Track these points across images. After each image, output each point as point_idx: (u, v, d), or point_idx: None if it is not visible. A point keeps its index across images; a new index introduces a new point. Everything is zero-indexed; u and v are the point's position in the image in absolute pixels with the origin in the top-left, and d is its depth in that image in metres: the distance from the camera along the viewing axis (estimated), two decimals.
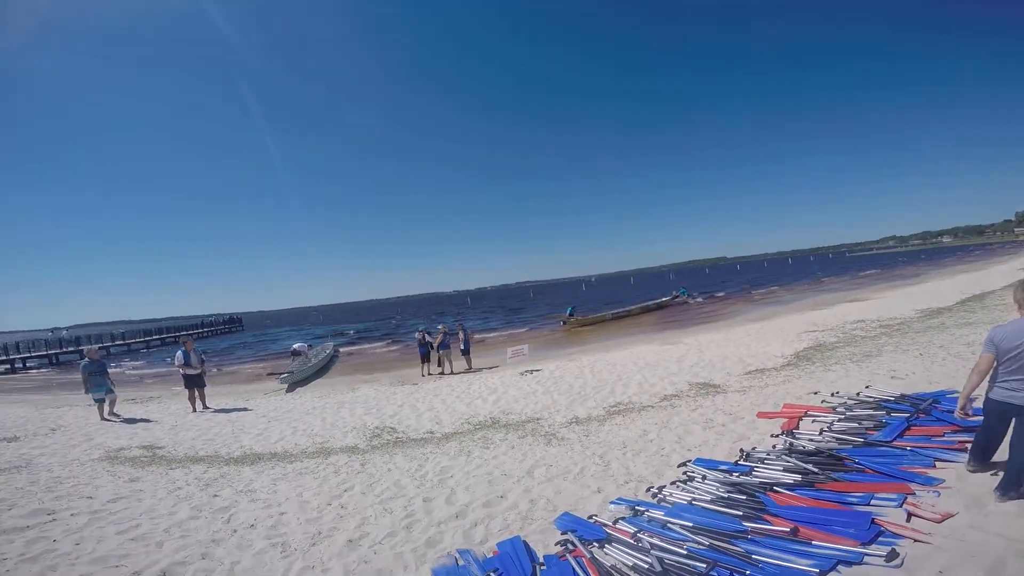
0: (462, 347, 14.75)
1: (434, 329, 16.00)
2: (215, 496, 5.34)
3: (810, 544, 3.10)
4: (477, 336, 25.41)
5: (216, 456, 7.13)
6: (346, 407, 10.20)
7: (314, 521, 4.53)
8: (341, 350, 26.08)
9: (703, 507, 3.88)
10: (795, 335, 12.85)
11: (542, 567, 3.24)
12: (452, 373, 14.05)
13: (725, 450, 5.32)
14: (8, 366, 29.63)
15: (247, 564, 3.78)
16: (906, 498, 3.53)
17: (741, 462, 4.79)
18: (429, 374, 14.18)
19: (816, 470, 4.19)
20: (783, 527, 3.28)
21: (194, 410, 10.79)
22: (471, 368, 14.52)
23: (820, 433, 5.26)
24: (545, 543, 3.75)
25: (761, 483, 4.12)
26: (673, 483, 4.57)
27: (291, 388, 14.01)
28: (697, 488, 4.31)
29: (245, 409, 10.88)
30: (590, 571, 3.15)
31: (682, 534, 3.47)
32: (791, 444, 5.03)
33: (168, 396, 13.41)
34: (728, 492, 4.08)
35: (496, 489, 4.98)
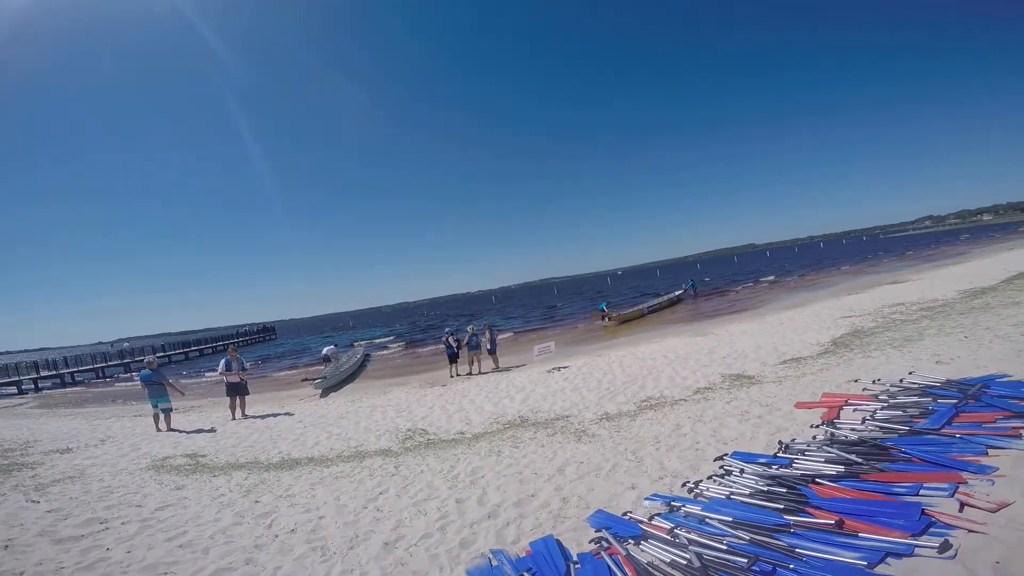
0: (489, 347, 14.82)
1: (461, 330, 16.12)
2: (256, 502, 5.45)
3: (856, 536, 2.99)
4: (503, 335, 25.40)
5: (256, 462, 7.29)
6: (378, 410, 10.33)
7: (351, 524, 4.59)
8: (371, 354, 26.50)
9: (742, 501, 3.79)
10: (831, 321, 12.46)
11: (576, 565, 3.20)
12: (480, 373, 14.12)
13: (763, 442, 5.19)
14: (59, 380, 31.02)
15: (289, 569, 3.85)
16: (958, 487, 3.37)
17: (780, 454, 4.66)
18: (457, 375, 14.28)
19: (860, 460, 4.03)
20: (827, 519, 3.17)
21: (233, 418, 11.09)
22: (498, 367, 14.56)
23: (863, 422, 5.07)
24: (579, 541, 3.71)
25: (802, 475, 3.99)
26: (709, 477, 4.48)
27: (325, 393, 14.31)
28: (735, 482, 4.21)
29: (282, 415, 11.13)
30: (626, 568, 3.10)
31: (721, 529, 3.38)
32: (832, 434, 4.87)
33: (208, 405, 13.79)
34: (768, 485, 3.97)
35: (527, 488, 4.97)
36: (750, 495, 3.86)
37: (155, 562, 4.09)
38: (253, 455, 7.76)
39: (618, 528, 3.68)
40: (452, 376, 14.20)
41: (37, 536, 4.71)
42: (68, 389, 27.43)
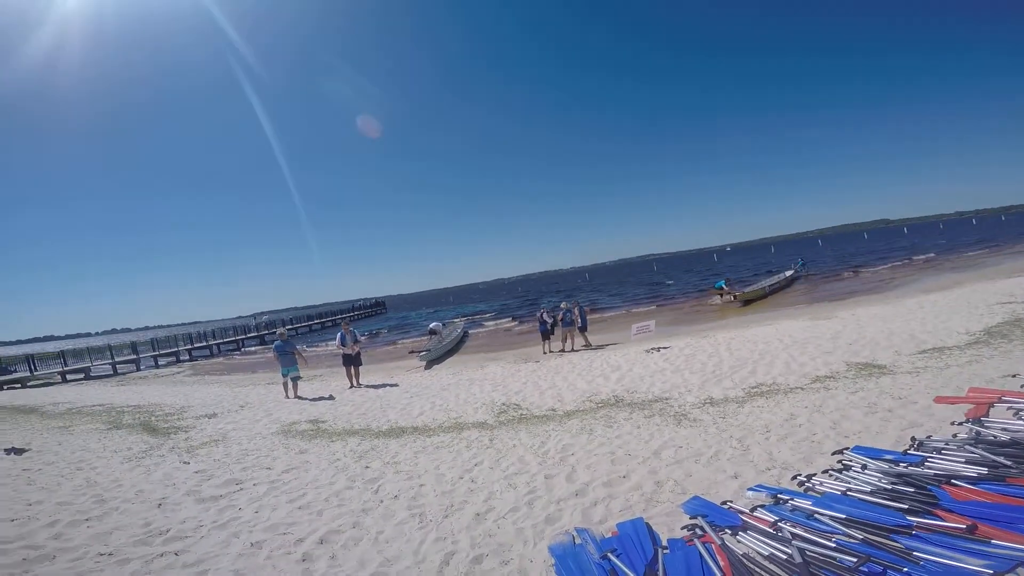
0: (579, 324, 14.79)
1: (554, 307, 16.28)
2: (367, 467, 5.94)
3: (988, 544, 2.61)
4: (601, 313, 25.11)
5: (368, 429, 7.94)
6: (476, 383, 10.78)
7: (448, 494, 4.87)
8: (469, 329, 27.61)
9: (860, 498, 3.45)
10: (985, 307, 10.78)
11: (665, 550, 3.13)
12: (573, 350, 14.19)
13: (892, 438, 4.69)
14: (207, 350, 36.04)
15: (390, 533, 4.17)
16: None
17: (911, 451, 4.16)
18: (551, 351, 14.45)
19: (1009, 463, 3.48)
20: (958, 523, 2.79)
21: (351, 386, 12.16)
22: (589, 345, 14.55)
23: (1016, 415, 4.38)
24: (670, 527, 3.63)
25: (936, 475, 3.53)
26: (825, 471, 4.14)
27: (429, 365, 15.26)
28: (854, 478, 3.84)
29: (391, 385, 12.01)
30: (719, 557, 2.98)
31: (831, 526, 3.12)
32: (978, 433, 4.25)
33: (328, 374, 15.23)
34: (892, 483, 3.57)
35: (619, 469, 4.93)
36: (870, 492, 3.50)
37: (277, 522, 4.58)
38: (366, 422, 8.45)
39: (715, 516, 3.54)
40: (545, 352, 14.41)
41: (185, 495, 5.48)
42: (215, 359, 31.74)
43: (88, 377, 25.43)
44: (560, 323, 14.74)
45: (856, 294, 19.23)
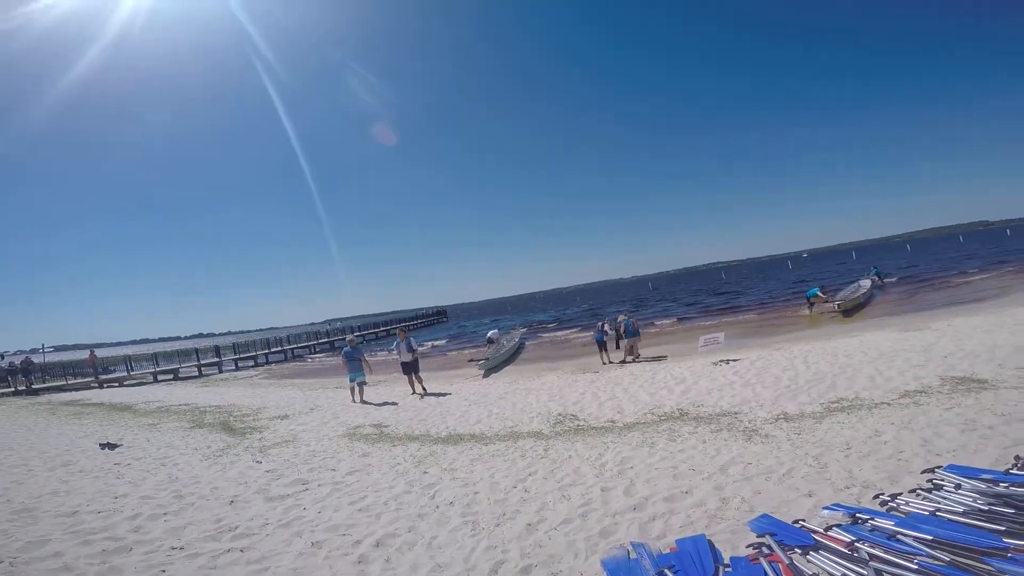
0: (629, 336, 14.48)
1: (612, 318, 16.09)
2: (425, 473, 6.08)
3: None
4: (658, 326, 24.46)
5: (427, 435, 8.15)
6: (533, 393, 10.77)
7: (501, 502, 4.90)
8: (528, 339, 27.66)
9: (950, 519, 3.15)
10: None
11: (727, 568, 2.99)
12: (635, 361, 13.93)
13: (992, 457, 4.29)
14: (282, 354, 38.22)
15: (443, 539, 4.25)
16: None
17: (1015, 471, 3.76)
18: (610, 362, 14.23)
19: None
20: None
21: (413, 392, 12.46)
22: (636, 357, 14.23)
23: None
24: (734, 544, 3.46)
25: None
26: (912, 491, 3.84)
27: (487, 374, 15.44)
28: (945, 498, 3.53)
29: (450, 392, 12.22)
30: None
31: (915, 547, 2.87)
32: None
33: (392, 380, 15.63)
34: (990, 504, 3.25)
35: (681, 484, 4.78)
36: (963, 513, 3.19)
37: (338, 523, 4.77)
38: (426, 428, 8.68)
39: (785, 535, 3.34)
40: (604, 363, 14.21)
41: (255, 493, 5.81)
42: (288, 364, 33.67)
43: (176, 378, 27.59)
44: (623, 334, 14.52)
45: (952, 304, 17.55)
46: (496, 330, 23.50)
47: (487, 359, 16.94)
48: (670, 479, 4.93)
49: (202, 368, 30.78)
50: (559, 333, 31.22)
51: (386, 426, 9.18)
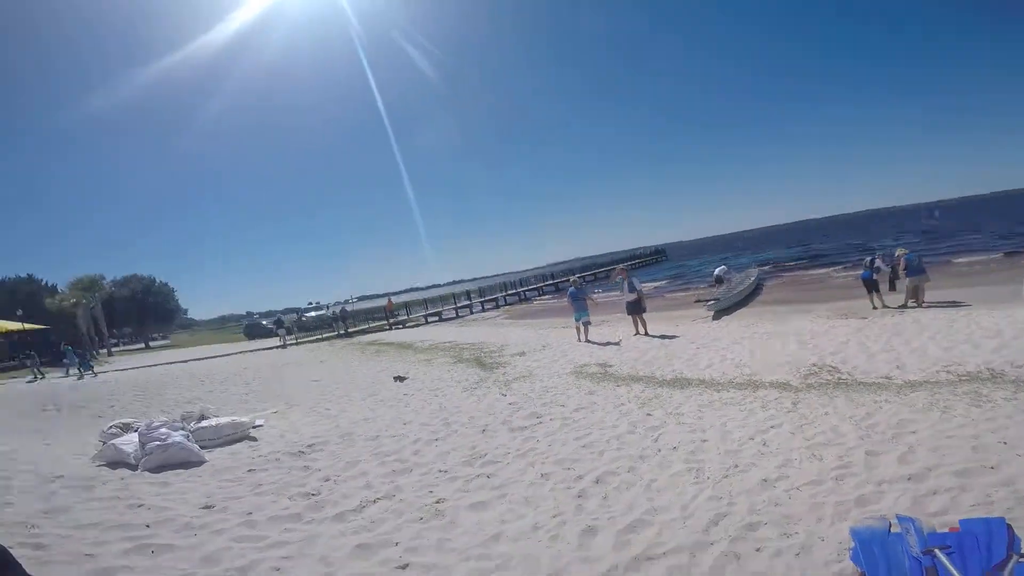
0: (913, 274, 11.48)
1: (886, 253, 13.04)
2: (648, 415, 6.03)
3: None
4: (957, 261, 19.32)
5: (652, 377, 8.05)
6: (776, 338, 9.63)
7: (732, 453, 4.58)
8: (766, 279, 24.84)
9: None
10: None
11: (1022, 559, 2.26)
12: (922, 306, 11.16)
13: None
14: (516, 296, 42.69)
15: (662, 483, 4.18)
16: None
17: None
18: (884, 306, 11.68)
19: None
20: None
21: (635, 333, 12.39)
22: (923, 302, 11.25)
23: None
24: None
25: None
26: None
27: (717, 316, 14.34)
28: None
29: (675, 334, 11.76)
30: None
31: None
32: None
33: (614, 320, 15.79)
34: None
35: (983, 457, 3.77)
36: None
37: (564, 457, 5.07)
38: (650, 370, 8.57)
39: None
40: (875, 308, 11.75)
41: (501, 424, 6.53)
42: (521, 305, 37.53)
43: (441, 319, 32.88)
44: (903, 272, 11.58)
45: None
46: (724, 267, 21.54)
47: (717, 299, 15.69)
48: (967, 451, 3.93)
49: (458, 310, 36.05)
50: (806, 271, 27.34)
51: (610, 366, 9.35)
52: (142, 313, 56.91)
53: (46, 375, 20.85)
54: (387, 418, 7.67)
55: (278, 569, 3.44)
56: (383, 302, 37.19)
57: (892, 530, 2.73)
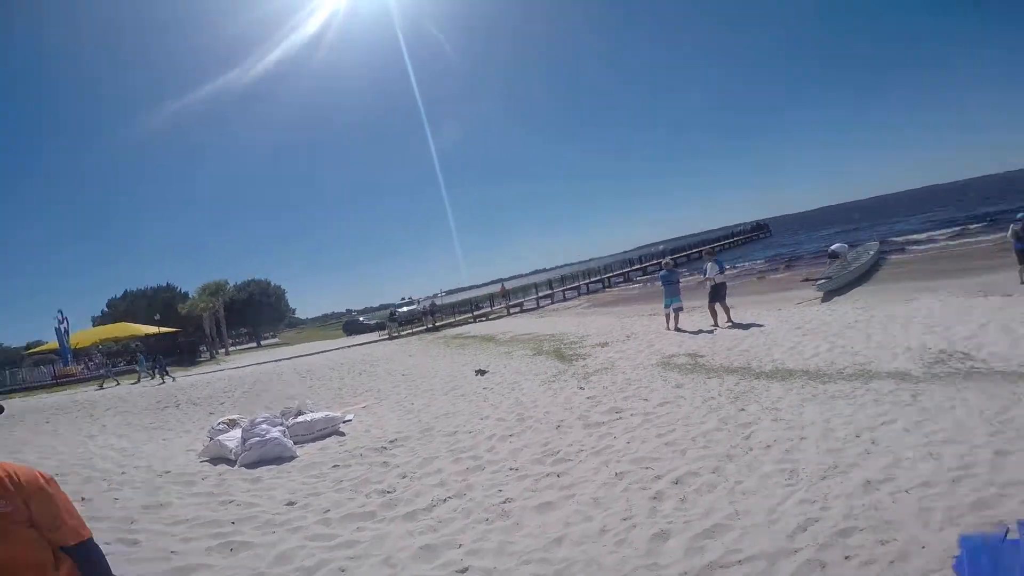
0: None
1: None
2: (741, 410, 5.75)
3: None
4: None
5: (747, 368, 7.66)
6: (898, 322, 8.80)
7: (834, 452, 4.30)
8: (888, 253, 22.68)
9: None
10: None
11: None
12: None
13: None
14: (599, 283, 42.19)
15: (750, 485, 3.99)
16: None
17: None
18: None
19: None
20: None
21: (728, 320, 11.67)
22: None
23: None
24: None
25: None
26: None
27: (828, 296, 13.33)
28: None
29: (777, 320, 11.11)
30: None
31: None
32: None
33: (706, 307, 15.18)
34: None
35: None
36: None
37: (643, 456, 4.94)
38: (746, 360, 8.15)
39: None
40: (1023, 282, 10.38)
41: (577, 419, 6.46)
42: (605, 292, 37.19)
43: (522, 310, 33.29)
44: None
45: None
46: (843, 243, 19.89)
47: (828, 278, 14.57)
48: None
49: (539, 300, 36.36)
50: (938, 243, 24.68)
51: (701, 356, 9.02)
52: (258, 314, 63.00)
53: (119, 382, 20.51)
54: (466, 413, 7.91)
55: (343, 570, 3.63)
56: (469, 295, 38.81)
57: (1009, 536, 2.48)
